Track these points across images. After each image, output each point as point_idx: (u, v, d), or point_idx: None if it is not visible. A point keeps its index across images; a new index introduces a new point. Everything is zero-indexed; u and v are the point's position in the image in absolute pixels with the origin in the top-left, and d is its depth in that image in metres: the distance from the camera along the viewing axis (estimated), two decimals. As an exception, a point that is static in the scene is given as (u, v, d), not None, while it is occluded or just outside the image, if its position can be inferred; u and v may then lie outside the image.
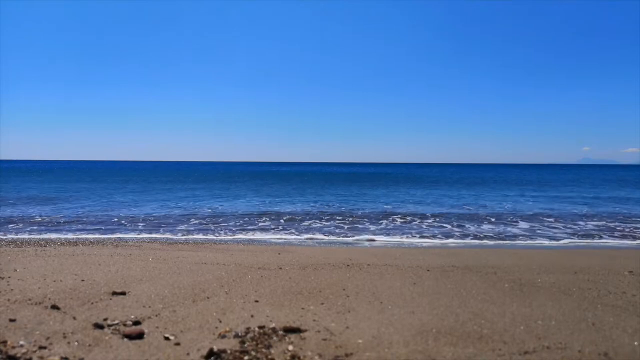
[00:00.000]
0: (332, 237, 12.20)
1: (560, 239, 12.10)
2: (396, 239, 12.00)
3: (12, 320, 3.54)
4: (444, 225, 14.69)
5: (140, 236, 11.97)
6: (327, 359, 2.97)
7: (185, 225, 14.26)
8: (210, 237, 12.09)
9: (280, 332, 3.43)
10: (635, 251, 9.50)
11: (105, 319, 3.65)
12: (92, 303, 4.15)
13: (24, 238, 10.88)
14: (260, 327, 3.53)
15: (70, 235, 11.71)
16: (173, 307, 4.09)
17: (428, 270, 6.27)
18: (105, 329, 3.42)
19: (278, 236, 12.32)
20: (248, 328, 3.51)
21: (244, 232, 13.01)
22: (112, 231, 12.86)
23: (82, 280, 5.07)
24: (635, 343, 3.34)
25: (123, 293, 4.53)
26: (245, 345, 3.15)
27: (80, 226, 13.82)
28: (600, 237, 12.43)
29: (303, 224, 14.92)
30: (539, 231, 13.52)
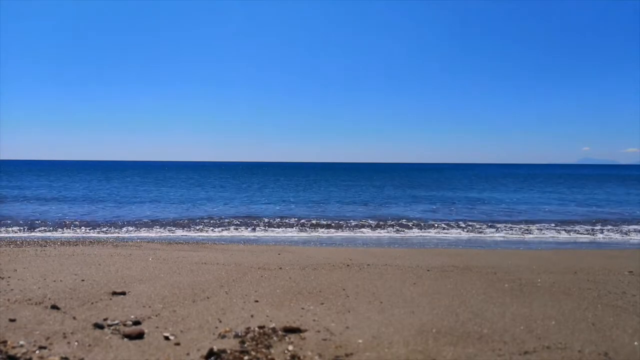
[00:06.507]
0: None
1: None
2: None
3: (12, 320, 3.53)
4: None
5: (142, 235, 11.97)
6: (327, 359, 2.97)
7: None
8: (211, 235, 12.09)
9: (280, 332, 3.43)
10: (635, 251, 9.50)
11: (105, 319, 3.65)
12: (92, 303, 4.15)
13: (24, 238, 10.88)
14: (260, 327, 3.52)
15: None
16: (173, 307, 4.09)
17: (428, 270, 6.26)
18: (105, 329, 3.42)
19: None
20: (248, 328, 3.51)
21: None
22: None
23: (82, 280, 5.07)
24: (635, 343, 3.34)
25: (123, 293, 4.53)
26: (245, 345, 3.14)
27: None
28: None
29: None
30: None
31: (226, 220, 15.79)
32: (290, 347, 3.13)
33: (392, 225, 14.59)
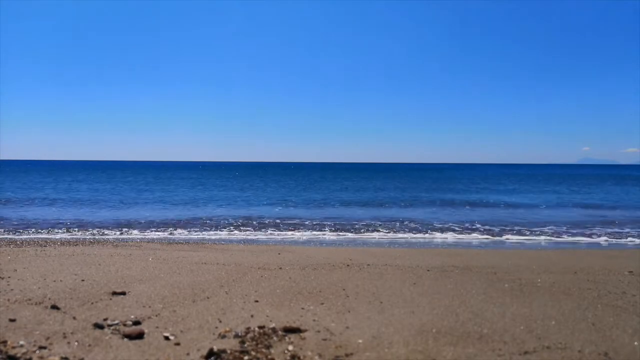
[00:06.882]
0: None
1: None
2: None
3: (12, 320, 3.54)
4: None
5: (142, 235, 11.98)
6: (327, 359, 2.97)
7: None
8: (211, 235, 12.09)
9: (280, 332, 3.43)
10: (635, 251, 9.50)
11: (105, 319, 3.65)
12: (92, 303, 4.15)
13: (25, 238, 10.88)
14: (260, 327, 3.52)
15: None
16: (173, 307, 4.09)
17: (428, 270, 6.26)
18: (105, 329, 3.42)
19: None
20: (248, 328, 3.51)
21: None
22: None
23: (82, 280, 5.07)
24: (635, 343, 3.34)
25: (123, 293, 4.53)
26: (245, 345, 3.14)
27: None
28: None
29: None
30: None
31: (226, 220, 15.80)
32: (290, 347, 3.13)
33: (402, 229, 14.56)
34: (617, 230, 13.93)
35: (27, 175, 53.14)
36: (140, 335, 3.29)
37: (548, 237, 12.42)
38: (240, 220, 15.63)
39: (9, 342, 3.08)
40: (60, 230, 12.88)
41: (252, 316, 3.88)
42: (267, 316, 3.89)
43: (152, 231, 13.07)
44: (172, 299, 4.40)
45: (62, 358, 2.87)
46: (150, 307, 4.08)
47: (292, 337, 3.36)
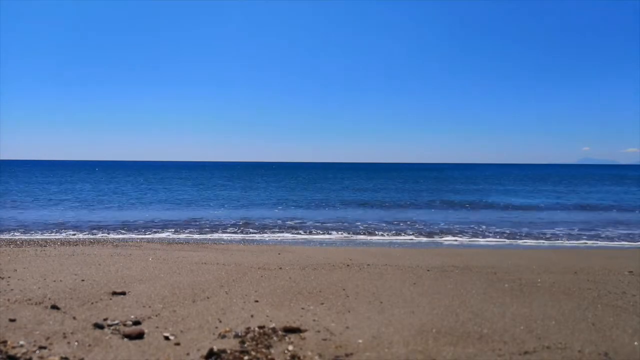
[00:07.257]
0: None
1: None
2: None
3: (12, 320, 3.54)
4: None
5: (142, 235, 11.98)
6: (327, 359, 2.97)
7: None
8: (211, 235, 12.10)
9: (280, 332, 3.43)
10: (636, 251, 9.50)
11: (105, 319, 3.65)
12: (92, 303, 4.15)
13: (24, 238, 10.89)
14: (260, 327, 3.53)
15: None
16: (173, 307, 4.09)
17: (428, 270, 6.26)
18: (105, 329, 3.42)
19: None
20: (248, 328, 3.51)
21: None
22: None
23: (82, 280, 5.07)
24: (635, 343, 3.34)
25: (123, 293, 4.53)
26: (245, 345, 3.14)
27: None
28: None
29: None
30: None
31: (227, 220, 15.80)
32: (290, 347, 3.13)
33: (403, 230, 14.55)
34: (631, 231, 13.67)
35: (29, 175, 53.17)
36: (140, 335, 3.29)
37: (562, 241, 12.04)
38: (241, 220, 15.62)
39: (9, 342, 3.08)
40: (60, 230, 12.88)
41: (252, 316, 3.88)
42: (267, 316, 3.90)
43: (152, 231, 13.07)
44: (172, 299, 4.40)
45: (62, 358, 2.87)
46: (150, 307, 4.08)
47: (292, 337, 3.36)
